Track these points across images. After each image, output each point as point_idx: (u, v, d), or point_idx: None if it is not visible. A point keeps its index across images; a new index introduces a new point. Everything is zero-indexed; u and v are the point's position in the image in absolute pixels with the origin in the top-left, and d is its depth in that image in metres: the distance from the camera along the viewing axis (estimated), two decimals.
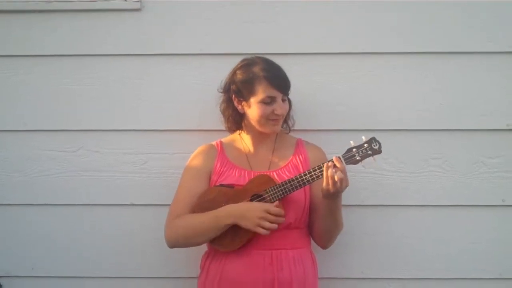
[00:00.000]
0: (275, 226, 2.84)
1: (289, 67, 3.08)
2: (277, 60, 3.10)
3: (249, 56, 3.01)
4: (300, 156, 3.07)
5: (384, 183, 3.30)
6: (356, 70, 3.29)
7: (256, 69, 2.94)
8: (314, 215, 3.01)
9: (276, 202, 2.85)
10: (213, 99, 3.12)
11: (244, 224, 2.87)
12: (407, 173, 3.30)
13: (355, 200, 3.29)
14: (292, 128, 3.15)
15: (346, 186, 2.81)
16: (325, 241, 3.06)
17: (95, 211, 3.37)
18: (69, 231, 3.38)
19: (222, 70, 3.12)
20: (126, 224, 3.35)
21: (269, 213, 2.85)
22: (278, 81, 2.93)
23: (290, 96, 3.10)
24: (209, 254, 3.06)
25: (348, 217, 3.15)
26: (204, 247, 3.09)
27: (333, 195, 2.85)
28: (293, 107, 3.14)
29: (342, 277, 3.33)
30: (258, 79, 2.92)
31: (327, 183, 2.80)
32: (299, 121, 3.21)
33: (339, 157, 2.80)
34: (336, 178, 2.77)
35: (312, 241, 3.10)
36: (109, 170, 3.36)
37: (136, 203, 3.35)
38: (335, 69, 3.29)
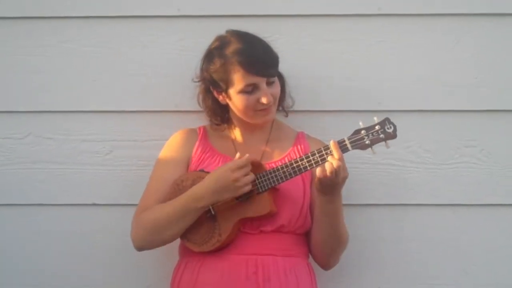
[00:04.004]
0: (252, 176, 2.68)
1: (286, 32, 3.04)
2: (273, 24, 3.03)
3: (223, 33, 2.83)
4: (301, 150, 2.87)
5: (406, 177, 3.07)
6: (371, 36, 3.07)
7: (229, 52, 2.74)
8: (312, 221, 2.85)
9: (238, 154, 2.72)
10: (194, 72, 2.93)
11: (223, 198, 2.68)
12: (434, 164, 3.06)
13: (369, 199, 3.07)
14: (291, 109, 2.97)
15: (345, 177, 2.64)
16: (325, 256, 2.85)
17: (48, 213, 3.13)
18: (15, 237, 3.14)
19: (206, 37, 2.90)
20: (86, 228, 3.12)
21: (237, 169, 2.67)
22: (257, 63, 2.73)
23: (287, 69, 2.91)
24: (181, 262, 2.85)
25: (361, 220, 3.03)
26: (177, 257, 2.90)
27: (329, 189, 2.66)
28: (288, 83, 2.95)
29: None
30: (232, 65, 2.73)
31: (323, 169, 2.63)
32: (298, 101, 3.02)
33: (336, 142, 2.63)
34: (334, 165, 2.61)
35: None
36: (65, 161, 3.12)
37: (99, 203, 3.12)
38: (344, 35, 3.07)
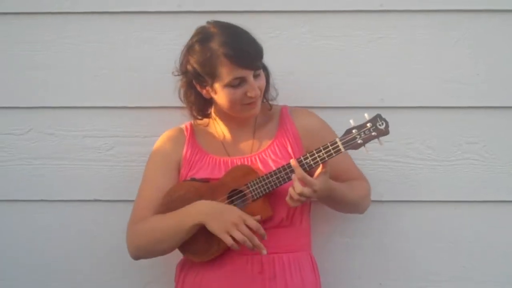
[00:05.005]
0: (247, 241, 2.58)
1: (287, 28, 3.01)
2: (274, 20, 3.00)
3: (204, 24, 2.74)
4: (287, 130, 2.81)
5: (408, 174, 3.04)
6: (372, 32, 3.04)
7: (214, 45, 2.65)
8: None
9: (258, 217, 2.62)
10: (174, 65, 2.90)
11: (211, 225, 2.61)
12: (436, 161, 3.04)
13: (372, 195, 2.97)
14: (274, 101, 2.88)
15: (314, 190, 2.56)
16: (356, 213, 2.91)
17: (49, 209, 3.11)
18: (17, 233, 3.12)
19: None
20: (88, 224, 3.10)
21: (246, 224, 2.59)
22: (244, 56, 2.65)
23: (288, 65, 2.96)
24: (185, 262, 2.80)
25: (362, 216, 2.96)
26: (178, 256, 2.84)
27: (319, 198, 2.66)
28: (289, 79, 2.97)
29: None
30: (218, 58, 2.64)
31: (293, 201, 2.61)
32: (299, 97, 3.00)
33: (296, 162, 2.57)
34: (295, 197, 2.56)
35: (312, 243, 2.88)
36: (66, 157, 3.10)
37: (101, 199, 3.10)
38: (345, 31, 3.04)
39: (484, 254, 3.03)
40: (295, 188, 2.53)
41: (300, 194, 2.53)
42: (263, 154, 2.74)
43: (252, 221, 2.57)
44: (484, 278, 3.02)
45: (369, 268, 3.04)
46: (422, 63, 3.01)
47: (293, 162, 2.54)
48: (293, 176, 2.54)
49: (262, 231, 2.57)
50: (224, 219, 2.58)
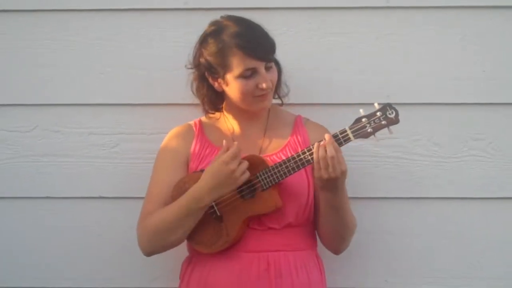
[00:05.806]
0: (246, 162, 2.60)
1: (294, 25, 3.00)
2: (281, 16, 2.99)
3: (218, 18, 2.75)
4: (299, 137, 2.80)
5: (414, 171, 3.03)
6: (379, 29, 3.02)
7: (226, 36, 2.66)
8: (317, 211, 2.77)
9: (224, 141, 2.63)
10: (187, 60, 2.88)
11: (224, 192, 2.61)
12: (442, 158, 3.03)
13: (378, 192, 3.03)
14: (285, 98, 2.88)
15: (342, 170, 2.55)
16: (335, 244, 2.81)
17: (55, 206, 3.10)
18: (22, 230, 3.11)
19: None
20: (93, 221, 3.09)
21: (231, 160, 2.58)
22: (256, 47, 2.65)
23: (295, 61, 2.92)
24: (191, 260, 2.80)
25: (369, 213, 3.00)
26: (185, 252, 2.85)
27: (330, 185, 2.60)
28: (296, 76, 2.92)
29: (359, 287, 3.07)
30: (230, 49, 2.65)
31: (318, 167, 2.55)
32: (305, 94, 3.00)
33: (331, 136, 2.56)
34: (328, 160, 2.53)
35: (319, 243, 2.85)
36: (71, 154, 3.09)
37: (106, 196, 3.09)
38: (352, 28, 3.02)
39: (491, 250, 3.01)
40: (328, 151, 2.50)
41: (332, 159, 2.51)
42: (275, 157, 2.72)
43: (232, 152, 2.56)
44: (491, 274, 3.02)
45: (374, 265, 3.03)
46: (429, 59, 3.00)
47: (327, 136, 2.53)
48: (324, 141, 2.52)
49: (236, 150, 2.57)
50: (221, 181, 2.57)
